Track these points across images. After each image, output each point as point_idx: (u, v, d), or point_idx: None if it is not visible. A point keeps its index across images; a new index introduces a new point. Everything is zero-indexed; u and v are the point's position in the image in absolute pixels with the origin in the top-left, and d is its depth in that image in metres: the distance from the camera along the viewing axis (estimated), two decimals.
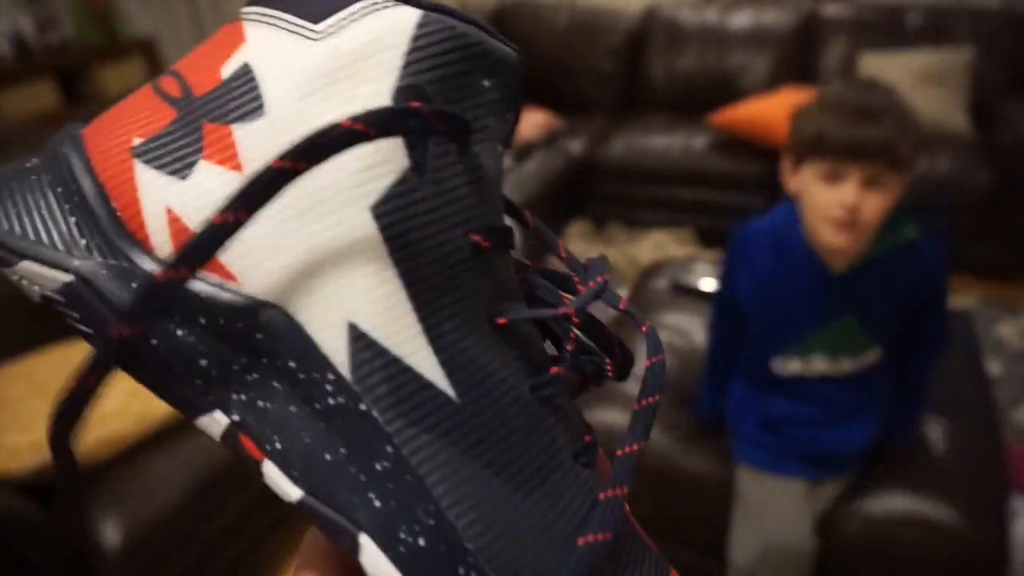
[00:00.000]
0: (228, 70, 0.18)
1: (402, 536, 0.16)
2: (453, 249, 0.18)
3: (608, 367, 0.20)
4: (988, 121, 2.51)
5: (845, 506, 1.15)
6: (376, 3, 0.18)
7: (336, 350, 0.17)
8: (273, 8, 0.19)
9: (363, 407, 0.17)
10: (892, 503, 1.14)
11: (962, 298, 2.31)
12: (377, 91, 0.17)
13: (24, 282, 0.18)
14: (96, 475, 1.23)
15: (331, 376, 0.17)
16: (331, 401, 0.17)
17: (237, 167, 0.17)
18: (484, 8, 3.35)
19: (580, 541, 0.17)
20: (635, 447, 0.18)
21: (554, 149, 2.69)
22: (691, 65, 2.93)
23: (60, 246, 0.17)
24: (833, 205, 0.95)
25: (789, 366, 1.14)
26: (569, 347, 0.20)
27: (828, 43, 2.78)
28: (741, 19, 2.88)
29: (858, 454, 1.15)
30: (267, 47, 0.18)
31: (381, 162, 0.17)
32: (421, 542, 0.16)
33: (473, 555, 0.16)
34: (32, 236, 0.17)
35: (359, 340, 0.17)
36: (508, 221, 0.20)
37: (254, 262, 0.17)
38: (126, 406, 1.26)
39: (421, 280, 0.17)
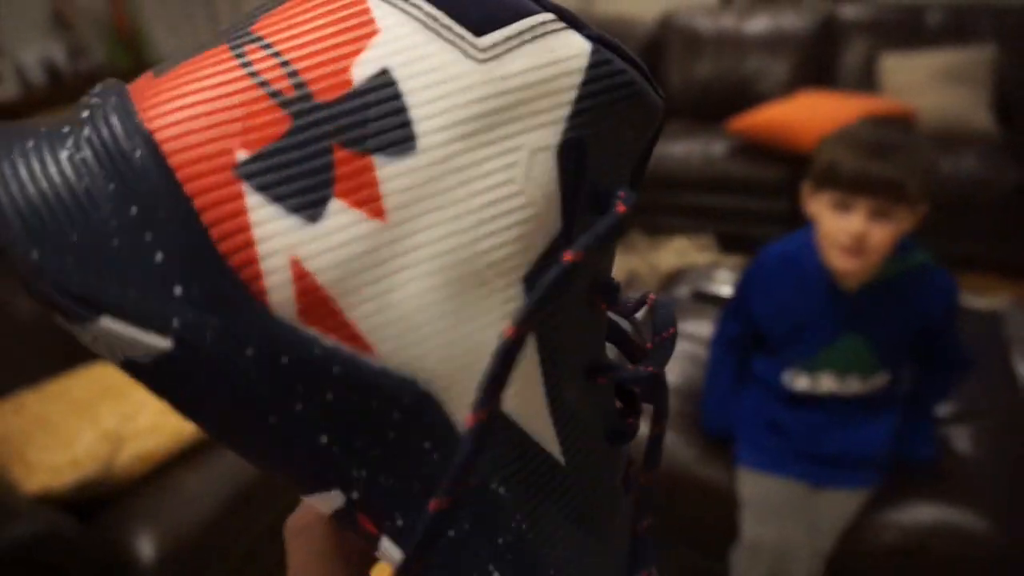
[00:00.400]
0: (361, 72, 0.14)
1: None
2: (578, 309, 0.17)
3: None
4: (1012, 119, 2.48)
5: (872, 515, 1.14)
6: (545, 23, 0.15)
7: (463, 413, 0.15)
8: (432, 1, 0.15)
9: (493, 485, 0.16)
10: (920, 512, 1.13)
11: (990, 299, 2.28)
12: (542, 143, 0.15)
13: (98, 343, 0.14)
14: (131, 491, 1.26)
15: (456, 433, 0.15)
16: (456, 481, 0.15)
17: (380, 215, 0.14)
18: None
19: None
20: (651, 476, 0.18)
21: None
22: (709, 71, 2.93)
23: (150, 295, 0.13)
24: (841, 232, 1.04)
25: (798, 382, 1.19)
26: (634, 396, 0.20)
27: (847, 45, 2.76)
28: (758, 24, 2.87)
29: (864, 463, 1.16)
30: (413, 52, 0.15)
31: (540, 225, 0.15)
32: None
33: None
34: (107, 278, 0.13)
35: (502, 424, 0.16)
36: None
37: (397, 334, 0.15)
38: (159, 422, 1.29)
39: (551, 346, 0.16)
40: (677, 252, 2.58)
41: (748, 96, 2.83)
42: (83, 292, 0.13)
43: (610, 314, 0.18)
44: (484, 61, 0.14)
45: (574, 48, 0.15)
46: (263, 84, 0.14)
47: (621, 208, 0.15)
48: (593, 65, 0.15)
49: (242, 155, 0.14)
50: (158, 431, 1.28)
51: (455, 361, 0.15)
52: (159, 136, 0.14)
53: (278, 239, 0.14)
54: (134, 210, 0.13)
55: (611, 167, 0.16)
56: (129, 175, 0.13)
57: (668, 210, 2.69)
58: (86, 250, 0.13)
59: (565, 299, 0.16)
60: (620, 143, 0.16)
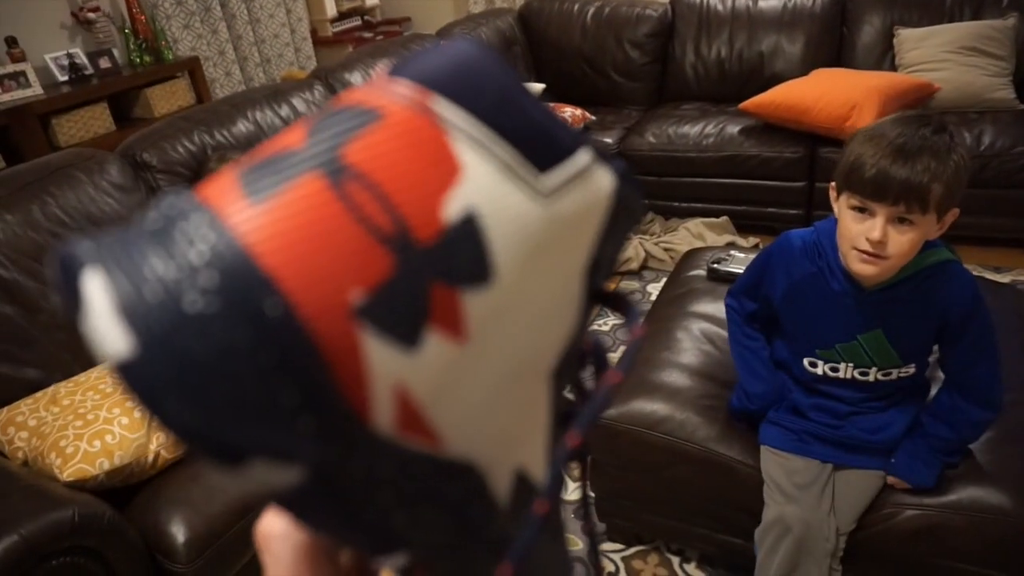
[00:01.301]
0: (451, 214, 0.16)
1: None
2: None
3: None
4: None
5: (892, 494, 1.15)
6: (589, 164, 0.18)
7: (503, 491, 0.19)
8: (489, 127, 0.17)
9: (515, 532, 0.19)
10: (943, 489, 1.13)
11: (1015, 274, 2.25)
12: (575, 266, 0.19)
13: (238, 480, 0.15)
14: (163, 476, 1.30)
15: (494, 513, 0.19)
16: (492, 533, 0.19)
17: (463, 341, 0.16)
18: (513, 7, 3.38)
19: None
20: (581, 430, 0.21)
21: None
22: (721, 51, 2.91)
23: (283, 434, 0.14)
24: (860, 237, 1.00)
25: (817, 368, 1.17)
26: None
27: (862, 21, 2.73)
28: (770, 2, 2.84)
29: (883, 447, 1.15)
30: (491, 194, 0.16)
31: (563, 329, 0.19)
32: None
33: None
34: (246, 424, 0.14)
35: (520, 482, 0.19)
36: None
37: (460, 427, 0.17)
38: None
39: (554, 411, 0.20)
40: (693, 234, 2.57)
41: (762, 76, 2.81)
42: (228, 441, 0.14)
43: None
44: (547, 203, 0.17)
45: (605, 184, 0.19)
46: (366, 223, 0.15)
47: (613, 380, 0.20)
48: (615, 196, 0.19)
49: (357, 297, 0.15)
50: None
51: (500, 445, 0.18)
52: (285, 287, 0.14)
53: (386, 369, 0.15)
54: (267, 359, 0.14)
55: (607, 261, 0.20)
56: (263, 328, 0.14)
57: (683, 192, 2.69)
58: (228, 402, 0.14)
59: (563, 375, 0.20)
60: (616, 245, 0.20)
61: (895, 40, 2.63)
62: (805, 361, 1.18)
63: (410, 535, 0.18)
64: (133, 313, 0.13)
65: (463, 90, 0.17)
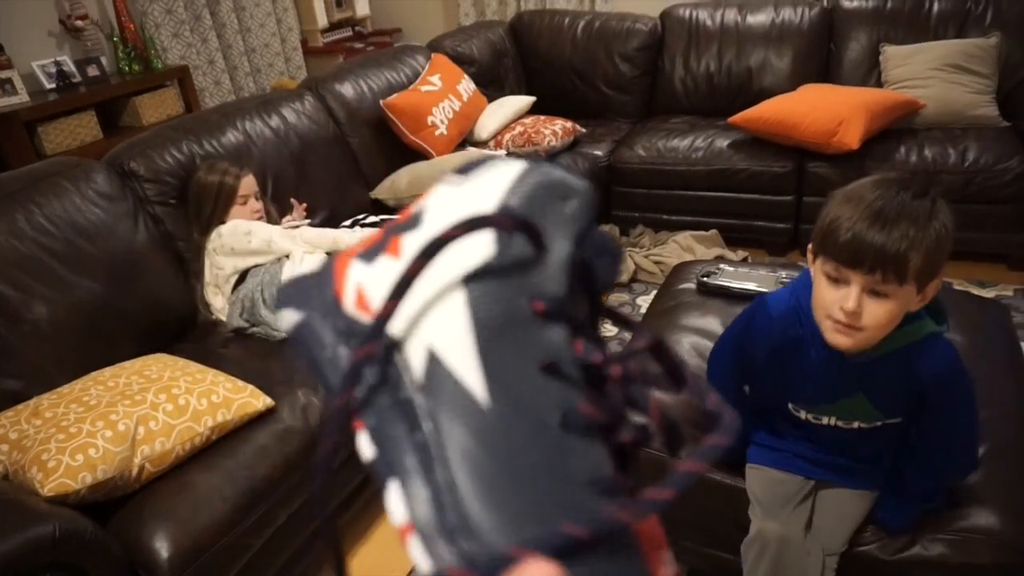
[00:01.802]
0: (415, 209, 0.27)
1: (417, 488, 0.23)
2: (516, 308, 0.25)
3: (654, 433, 0.25)
4: (1017, 109, 2.47)
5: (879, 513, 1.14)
6: (507, 159, 0.28)
7: (418, 363, 0.24)
8: (455, 172, 0.28)
9: (419, 398, 0.24)
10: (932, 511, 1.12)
11: (999, 289, 2.27)
12: (485, 209, 0.26)
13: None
14: (146, 491, 1.28)
15: (409, 379, 0.24)
16: (404, 394, 0.24)
17: (397, 256, 0.26)
18: (504, 20, 3.40)
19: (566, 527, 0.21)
20: (666, 494, 0.22)
21: (578, 156, 2.72)
22: (710, 66, 2.93)
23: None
24: (834, 305, 0.93)
25: (800, 415, 1.14)
26: (612, 396, 0.25)
27: (848, 36, 2.76)
28: (759, 17, 2.87)
29: (870, 471, 1.15)
30: (436, 195, 0.28)
31: (477, 249, 0.25)
32: (429, 494, 0.22)
33: (464, 513, 0.22)
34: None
35: (432, 359, 0.24)
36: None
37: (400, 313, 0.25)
38: (172, 424, 1.31)
39: (485, 327, 0.24)
40: (682, 247, 2.58)
41: (750, 90, 2.83)
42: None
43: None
44: (464, 184, 0.28)
45: (516, 165, 0.27)
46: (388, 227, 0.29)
47: (451, 233, 0.25)
48: (525, 169, 0.27)
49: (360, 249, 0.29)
50: (171, 433, 1.30)
51: (417, 325, 0.25)
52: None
53: (355, 277, 0.27)
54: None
55: (546, 222, 0.26)
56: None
57: (672, 205, 2.70)
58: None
59: (497, 300, 0.24)
60: (552, 209, 0.26)
61: (881, 57, 2.67)
62: (789, 406, 1.15)
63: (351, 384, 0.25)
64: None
65: None
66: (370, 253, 0.27)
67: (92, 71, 2.87)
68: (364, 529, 1.70)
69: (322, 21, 4.00)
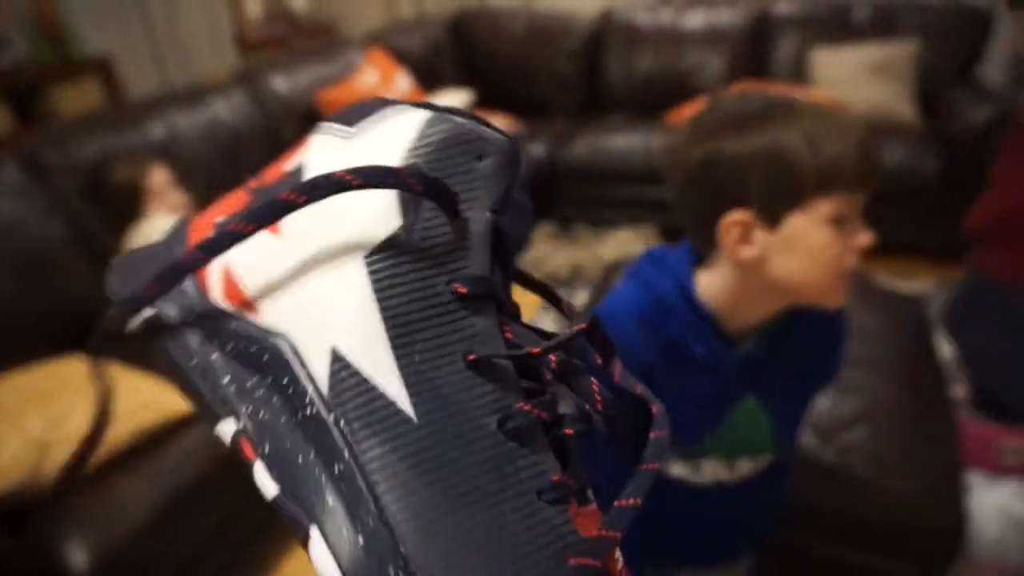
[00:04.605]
0: (288, 167, 0.23)
1: (345, 533, 0.18)
2: (434, 295, 0.20)
3: (594, 415, 0.21)
4: (935, 110, 2.59)
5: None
6: (402, 107, 0.22)
7: (320, 370, 0.20)
8: (332, 121, 0.24)
9: (331, 417, 0.19)
10: (854, 473, 1.17)
11: (916, 282, 2.37)
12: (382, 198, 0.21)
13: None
14: (60, 498, 1.22)
15: (312, 391, 0.20)
16: (309, 412, 0.19)
17: (277, 232, 0.22)
18: (444, 15, 3.37)
19: (572, 561, 0.18)
20: (631, 501, 0.19)
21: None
22: (648, 66, 2.98)
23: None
24: (848, 252, 0.69)
25: (672, 470, 0.85)
26: (550, 387, 0.21)
27: (780, 40, 2.84)
28: (695, 19, 2.93)
29: (740, 544, 0.96)
30: (318, 149, 0.23)
31: (377, 221, 0.21)
32: (360, 540, 0.18)
33: (405, 559, 0.18)
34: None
35: (338, 362, 0.20)
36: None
37: (272, 298, 0.21)
38: (88, 427, 1.25)
39: (399, 317, 0.20)
40: (620, 244, 2.61)
41: (687, 90, 2.88)
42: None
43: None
44: (354, 137, 0.23)
45: (417, 115, 0.23)
46: (245, 188, 0.26)
47: (339, 173, 0.21)
48: (429, 121, 0.22)
49: (219, 219, 0.24)
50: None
51: (306, 316, 0.20)
52: (190, 225, 0.26)
53: (221, 257, 0.22)
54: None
55: (458, 183, 0.22)
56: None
57: (611, 202, 2.73)
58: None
59: (408, 282, 0.20)
60: (464, 167, 0.22)
61: (810, 59, 2.75)
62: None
63: (237, 402, 0.21)
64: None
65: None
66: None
67: (4, 58, 2.71)
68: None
69: (254, 12, 3.89)
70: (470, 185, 0.22)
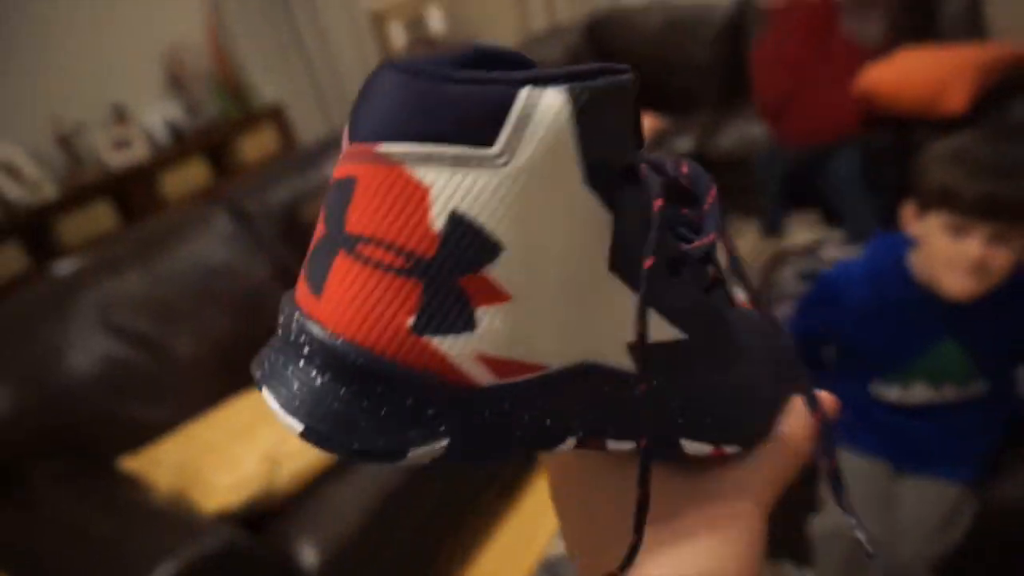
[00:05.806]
0: (438, 224, 0.19)
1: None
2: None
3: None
4: None
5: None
6: (526, 104, 0.19)
7: (627, 364, 0.23)
8: (424, 143, 0.19)
9: (668, 393, 0.25)
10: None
11: None
12: (572, 185, 0.20)
13: (410, 460, 0.21)
14: (291, 505, 1.40)
15: (628, 381, 0.23)
16: (635, 400, 0.23)
17: (507, 299, 0.20)
18: (576, 21, 3.41)
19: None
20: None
21: (664, 149, 2.70)
22: None
23: (416, 425, 0.21)
24: (959, 256, 0.97)
25: (889, 393, 1.12)
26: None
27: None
28: None
29: (957, 461, 1.10)
30: (458, 190, 0.19)
31: (592, 240, 0.21)
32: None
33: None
34: (388, 437, 0.20)
35: (635, 350, 0.23)
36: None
37: (550, 349, 0.22)
38: (304, 445, 1.42)
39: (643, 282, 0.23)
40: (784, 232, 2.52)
41: None
42: (388, 449, 0.20)
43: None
44: (506, 164, 0.19)
45: (554, 105, 0.19)
46: (385, 268, 0.20)
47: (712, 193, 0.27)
48: (571, 104, 0.19)
49: (409, 321, 0.20)
50: (308, 450, 1.41)
51: (597, 336, 0.22)
52: (359, 342, 0.20)
53: (462, 351, 0.20)
54: (376, 389, 0.20)
55: (614, 144, 0.21)
56: (359, 373, 0.20)
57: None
58: (372, 426, 0.20)
59: (635, 259, 0.23)
60: (619, 125, 0.21)
61: (984, 9, 2.50)
62: (876, 385, 1.12)
63: (569, 426, 0.23)
64: (291, 407, 0.20)
65: (393, 123, 0.19)
66: (451, 316, 0.20)
67: (200, 119, 3.10)
68: (472, 556, 1.77)
69: (399, 41, 4.15)
70: (617, 137, 0.22)
